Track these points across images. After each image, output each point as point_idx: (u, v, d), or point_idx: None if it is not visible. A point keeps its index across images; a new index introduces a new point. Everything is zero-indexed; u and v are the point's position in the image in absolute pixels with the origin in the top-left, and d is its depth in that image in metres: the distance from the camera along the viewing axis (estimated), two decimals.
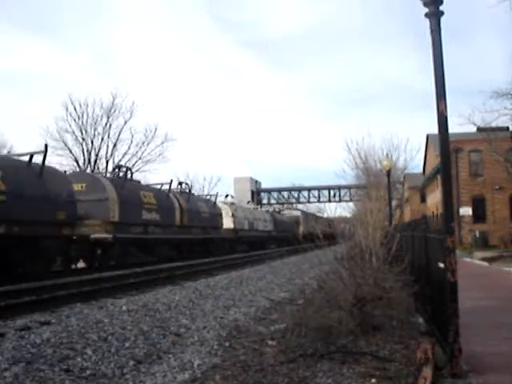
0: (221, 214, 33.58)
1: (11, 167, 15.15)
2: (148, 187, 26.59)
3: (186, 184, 32.77)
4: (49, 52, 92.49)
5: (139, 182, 26.76)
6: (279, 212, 54.64)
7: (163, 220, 25.00)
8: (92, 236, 19.83)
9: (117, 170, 24.51)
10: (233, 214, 36.05)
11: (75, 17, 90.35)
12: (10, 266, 15.07)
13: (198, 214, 29.49)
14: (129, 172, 24.43)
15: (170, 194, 27.14)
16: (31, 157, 16.10)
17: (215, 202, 34.05)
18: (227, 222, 34.68)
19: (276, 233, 46.92)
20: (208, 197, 36.29)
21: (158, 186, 27.71)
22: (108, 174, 25.05)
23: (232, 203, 39.81)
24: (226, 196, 44.34)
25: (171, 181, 28.29)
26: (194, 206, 29.68)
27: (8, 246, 14.58)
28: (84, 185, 20.67)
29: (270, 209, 55.36)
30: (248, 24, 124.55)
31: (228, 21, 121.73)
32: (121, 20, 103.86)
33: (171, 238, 26.25)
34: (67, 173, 23.15)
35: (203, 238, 30.46)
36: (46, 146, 16.95)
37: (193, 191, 33.96)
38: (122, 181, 22.74)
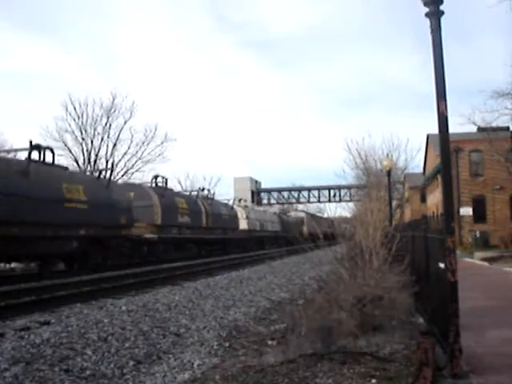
0: (237, 216, 37.70)
1: (88, 181, 19.36)
2: (180, 194, 31.74)
3: (208, 190, 37.33)
4: (49, 51, 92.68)
5: (172, 189, 30.86)
6: (285, 213, 57.91)
7: (193, 222, 29.25)
8: (144, 236, 23.77)
9: (155, 180, 28.36)
10: (247, 216, 40.00)
11: (75, 16, 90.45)
12: (86, 260, 18.50)
13: (219, 217, 33.66)
14: (163, 181, 28.66)
15: (198, 200, 31.57)
16: (100, 173, 21.32)
17: (233, 206, 39.09)
18: (242, 224, 38.75)
19: (283, 233, 49.65)
20: (226, 201, 40.72)
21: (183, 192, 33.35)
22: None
23: (246, 206, 44.26)
24: (240, 200, 47.68)
25: (199, 188, 34.55)
26: (216, 209, 33.93)
27: (86, 245, 18.26)
28: (133, 193, 24.30)
29: (275, 209, 59.09)
30: (248, 24, 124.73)
31: (228, 21, 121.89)
32: (121, 20, 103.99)
33: (198, 238, 30.64)
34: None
35: (223, 238, 34.80)
36: (113, 164, 25.92)
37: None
38: (163, 189, 27.12)
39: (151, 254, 25.21)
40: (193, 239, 29.70)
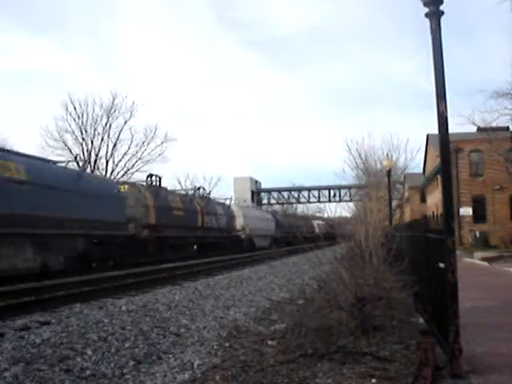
0: (314, 226, 70.00)
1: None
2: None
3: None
4: (49, 51, 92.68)
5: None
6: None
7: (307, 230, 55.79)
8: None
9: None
10: (317, 226, 70.44)
11: (76, 16, 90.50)
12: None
13: (311, 228, 66.21)
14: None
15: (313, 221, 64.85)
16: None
17: (312, 223, 71.46)
18: (316, 230, 67.56)
19: (327, 233, 64.75)
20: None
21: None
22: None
23: (319, 223, 73.90)
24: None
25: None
26: (308, 225, 66.52)
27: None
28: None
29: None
30: (249, 23, 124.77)
31: (229, 20, 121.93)
32: (122, 19, 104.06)
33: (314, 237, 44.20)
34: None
35: (311, 237, 50.80)
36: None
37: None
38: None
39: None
40: (309, 238, 46.71)
